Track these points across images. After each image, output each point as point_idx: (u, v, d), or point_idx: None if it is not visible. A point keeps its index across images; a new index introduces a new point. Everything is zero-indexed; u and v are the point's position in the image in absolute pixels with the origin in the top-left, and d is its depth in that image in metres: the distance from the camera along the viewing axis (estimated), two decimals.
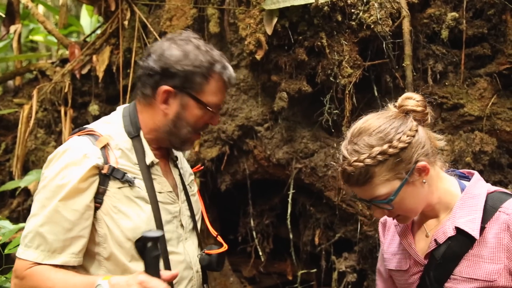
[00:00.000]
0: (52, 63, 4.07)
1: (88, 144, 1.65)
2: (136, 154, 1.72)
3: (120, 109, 1.83)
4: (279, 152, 3.32)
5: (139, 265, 1.65)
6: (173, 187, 1.83)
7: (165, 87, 1.68)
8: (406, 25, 2.85)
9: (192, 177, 2.01)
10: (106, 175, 1.62)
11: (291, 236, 3.57)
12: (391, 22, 2.86)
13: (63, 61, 3.98)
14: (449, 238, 1.55)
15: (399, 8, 2.86)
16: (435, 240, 1.58)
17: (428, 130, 1.58)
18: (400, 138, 1.48)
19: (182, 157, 2.02)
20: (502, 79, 2.89)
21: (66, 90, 3.69)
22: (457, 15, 2.87)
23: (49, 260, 1.57)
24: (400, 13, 2.87)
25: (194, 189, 1.98)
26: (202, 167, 2.21)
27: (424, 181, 1.53)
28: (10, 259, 2.26)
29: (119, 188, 1.65)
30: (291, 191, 3.40)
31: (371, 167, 1.47)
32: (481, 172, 2.90)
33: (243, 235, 3.94)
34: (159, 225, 1.69)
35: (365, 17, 2.87)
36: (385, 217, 1.82)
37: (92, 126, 1.75)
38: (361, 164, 1.47)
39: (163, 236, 1.67)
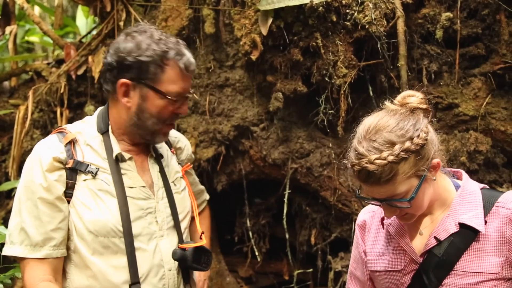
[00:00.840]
0: (48, 64, 4.05)
1: (54, 141, 1.73)
2: (106, 150, 1.75)
3: (98, 109, 1.88)
4: (275, 152, 3.32)
5: (100, 260, 1.67)
6: (149, 184, 1.82)
7: (122, 80, 1.70)
8: (401, 25, 2.85)
9: (179, 175, 1.99)
10: (72, 169, 1.67)
11: (287, 236, 3.57)
12: (385, 22, 2.86)
13: (59, 62, 3.96)
14: (452, 234, 1.56)
15: (394, 8, 2.86)
16: (435, 237, 1.58)
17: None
18: (419, 134, 1.46)
19: (170, 156, 2.00)
20: (497, 78, 2.89)
21: (62, 91, 3.68)
22: (451, 15, 2.87)
23: (33, 254, 1.64)
24: (394, 13, 2.87)
25: (179, 186, 1.95)
26: (191, 166, 2.20)
27: (434, 178, 1.53)
28: (7, 259, 2.28)
29: (84, 180, 1.69)
30: (287, 191, 3.40)
31: (394, 164, 1.43)
32: (476, 172, 2.92)
33: (240, 235, 3.93)
34: (126, 219, 1.69)
35: (359, 18, 2.86)
36: (363, 219, 1.83)
37: (67, 125, 1.83)
38: (384, 161, 1.43)
39: (129, 230, 1.69)
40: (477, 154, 2.88)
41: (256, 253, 3.82)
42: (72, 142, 1.73)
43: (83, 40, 4.24)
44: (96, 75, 3.60)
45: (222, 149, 3.48)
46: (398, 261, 1.68)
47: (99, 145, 1.76)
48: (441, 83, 2.99)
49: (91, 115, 1.90)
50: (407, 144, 1.44)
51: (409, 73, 2.92)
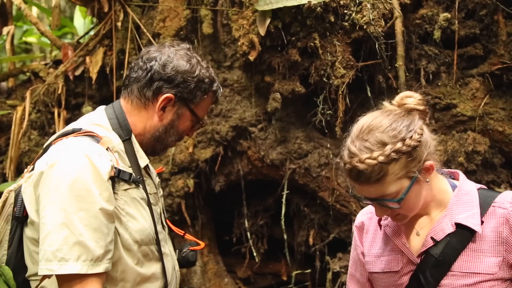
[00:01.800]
0: (46, 64, 4.04)
1: (96, 146, 1.57)
2: (128, 157, 1.69)
3: (102, 111, 1.78)
4: (273, 152, 3.32)
5: (145, 269, 1.64)
6: (155, 189, 1.85)
7: (167, 95, 1.70)
8: (399, 26, 2.85)
9: (158, 179, 1.99)
10: (113, 177, 1.56)
11: (285, 236, 3.56)
12: (383, 22, 2.86)
13: (57, 63, 3.96)
14: (448, 234, 1.56)
15: (392, 9, 2.86)
16: (432, 238, 1.58)
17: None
18: (412, 136, 1.46)
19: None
20: (495, 79, 2.89)
21: (59, 92, 3.67)
22: (449, 15, 2.87)
23: (94, 269, 1.46)
24: (392, 13, 2.87)
25: (161, 190, 1.97)
26: (164, 169, 2.21)
27: (427, 180, 1.53)
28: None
29: (125, 190, 1.61)
30: (285, 192, 3.40)
31: (385, 164, 1.44)
32: (474, 172, 2.91)
33: (238, 236, 3.93)
34: (154, 225, 1.70)
35: (357, 18, 2.86)
36: (361, 220, 1.82)
37: (88, 128, 1.67)
38: (374, 161, 1.44)
39: (157, 236, 1.69)
40: (475, 155, 2.88)
41: (254, 254, 3.82)
42: (108, 148, 1.61)
43: (81, 40, 4.24)
44: (93, 76, 3.60)
45: (220, 150, 3.48)
46: (395, 262, 1.67)
47: (123, 152, 1.69)
48: (439, 84, 2.99)
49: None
50: (399, 145, 1.44)
51: (407, 74, 2.92)
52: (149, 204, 1.69)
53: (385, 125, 1.48)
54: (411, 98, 1.55)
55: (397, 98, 1.57)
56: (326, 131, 3.20)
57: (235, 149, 3.51)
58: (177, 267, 1.85)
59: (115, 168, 1.57)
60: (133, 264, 1.60)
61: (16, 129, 3.58)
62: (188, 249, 1.90)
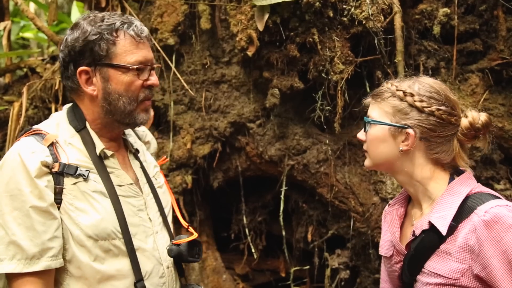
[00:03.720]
0: (43, 60, 4.02)
1: (34, 143, 1.58)
2: (86, 147, 1.66)
3: (65, 108, 1.77)
4: (271, 149, 3.32)
5: (107, 265, 1.60)
6: (135, 180, 1.77)
7: (80, 69, 1.63)
8: (398, 21, 2.84)
9: (157, 169, 1.95)
10: (58, 173, 1.56)
11: (283, 233, 3.56)
12: (382, 18, 2.86)
13: (54, 58, 3.94)
14: (423, 231, 1.58)
15: (391, 4, 2.85)
16: (413, 232, 1.61)
17: (461, 147, 1.62)
18: (424, 101, 1.57)
19: (145, 150, 1.96)
20: (494, 74, 2.89)
21: (56, 87, 3.64)
22: (448, 10, 2.87)
23: (30, 267, 1.49)
24: (391, 8, 2.86)
25: (160, 181, 1.92)
26: (167, 160, 2.14)
27: (401, 148, 1.60)
28: None
29: (74, 184, 1.58)
30: (284, 188, 3.40)
31: (389, 93, 1.63)
32: (473, 168, 2.89)
33: (236, 232, 3.92)
34: (122, 219, 1.63)
35: (356, 13, 2.86)
36: (387, 206, 1.86)
37: (38, 125, 1.70)
38: (389, 86, 1.65)
39: (126, 230, 1.63)
40: (474, 151, 2.88)
41: (253, 250, 3.82)
42: (53, 144, 1.61)
43: None
44: None
45: (218, 146, 3.47)
46: (390, 249, 1.74)
47: (80, 143, 1.66)
48: (439, 79, 2.95)
49: None
50: (409, 91, 1.60)
51: (406, 69, 2.92)
52: (113, 195, 1.63)
53: (432, 86, 1.61)
54: (477, 115, 1.61)
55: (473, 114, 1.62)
56: (325, 127, 3.19)
57: (233, 145, 3.50)
58: (166, 263, 1.76)
59: (60, 163, 1.57)
60: (88, 261, 1.57)
61: (13, 125, 3.56)
62: (171, 243, 1.79)
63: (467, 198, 1.55)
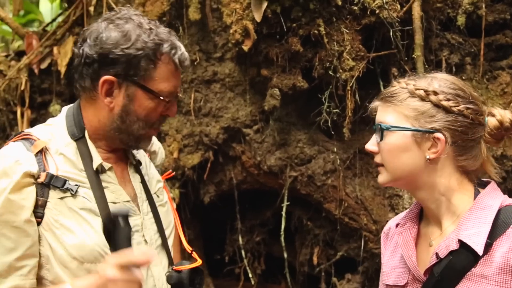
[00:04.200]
0: (7, 56, 4.03)
1: (21, 150, 1.61)
2: (82, 159, 1.68)
3: (65, 109, 1.80)
4: (271, 158, 3.31)
5: None
6: (133, 197, 1.79)
7: (106, 77, 1.64)
8: (417, 10, 2.84)
9: (161, 184, 1.98)
10: (44, 184, 1.58)
11: (285, 255, 3.56)
12: (399, 6, 2.86)
13: (19, 54, 3.95)
14: (451, 252, 1.54)
15: None
16: (436, 253, 1.57)
17: (488, 150, 1.63)
18: (451, 100, 1.56)
19: (148, 162, 1.99)
20: None
21: (22, 88, 3.66)
22: None
23: None
24: None
25: (163, 198, 1.94)
26: (173, 173, 2.20)
27: (428, 156, 1.57)
28: None
29: (60, 198, 1.61)
30: (285, 203, 3.40)
31: (405, 93, 1.59)
32: (503, 180, 2.92)
33: (231, 254, 3.92)
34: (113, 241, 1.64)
35: (369, 1, 2.86)
36: (389, 226, 1.86)
37: (31, 129, 1.72)
38: (403, 85, 1.61)
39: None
40: (505, 160, 2.88)
41: (250, 275, 3.82)
42: (42, 151, 1.63)
43: (48, 28, 4.22)
44: (62, 69, 3.59)
45: (209, 155, 3.47)
46: (402, 276, 1.70)
47: (74, 154, 1.69)
48: (464, 77, 2.97)
49: (56, 116, 1.86)
50: (431, 88, 1.57)
51: (426, 66, 2.91)
52: (105, 215, 1.65)
53: (454, 83, 1.60)
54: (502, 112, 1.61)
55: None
56: (333, 132, 3.18)
57: (227, 154, 3.50)
58: None
59: (48, 173, 1.59)
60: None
61: None
62: (172, 269, 1.83)
63: (498, 212, 1.54)
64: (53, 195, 1.60)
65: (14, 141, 1.66)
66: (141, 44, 1.64)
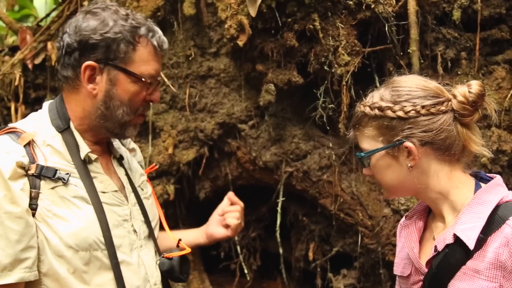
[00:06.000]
0: (0, 51, 4.00)
1: (9, 142, 1.63)
2: (69, 150, 1.71)
3: (46, 104, 1.83)
4: (266, 153, 3.31)
5: (88, 279, 1.64)
6: (120, 187, 1.83)
7: (87, 63, 1.68)
8: (412, 5, 2.83)
9: (144, 177, 2.02)
10: (35, 176, 1.60)
11: (281, 251, 3.57)
12: (394, 1, 2.85)
13: (13, 49, 3.92)
14: (447, 246, 1.57)
15: None
16: (435, 247, 1.61)
17: (467, 128, 1.62)
18: (405, 107, 1.59)
19: (130, 157, 2.03)
20: None
21: (16, 83, 3.64)
22: None
23: (1, 280, 1.53)
24: None
25: (147, 191, 1.99)
26: (156, 167, 2.26)
27: (409, 164, 1.61)
28: None
29: (52, 188, 1.63)
30: (281, 199, 3.40)
31: (365, 116, 1.66)
32: (499, 175, 2.90)
33: (226, 250, 3.92)
34: (106, 228, 1.68)
35: None
36: (403, 218, 1.88)
37: (14, 124, 1.75)
38: (361, 108, 1.68)
39: (110, 241, 1.68)
40: (500, 155, 2.89)
41: (246, 271, 3.82)
42: (30, 144, 1.66)
43: (42, 23, 4.20)
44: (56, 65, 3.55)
45: (205, 151, 3.47)
46: (407, 267, 1.75)
47: (61, 145, 1.72)
48: (459, 72, 2.99)
49: None
50: (385, 106, 1.61)
51: (422, 61, 2.91)
52: (96, 203, 1.68)
53: (403, 85, 1.64)
54: (462, 87, 1.62)
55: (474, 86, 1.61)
56: (328, 128, 3.18)
57: (222, 149, 3.50)
58: (153, 279, 1.82)
59: (37, 164, 1.61)
60: (66, 273, 1.61)
61: None
62: (162, 256, 1.89)
63: (497, 207, 1.55)
64: (45, 185, 1.62)
65: (0, 135, 1.69)
66: (119, 28, 1.69)
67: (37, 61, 3.66)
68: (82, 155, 1.72)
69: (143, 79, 1.73)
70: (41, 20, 4.37)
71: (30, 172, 1.60)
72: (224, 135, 3.44)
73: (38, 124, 1.75)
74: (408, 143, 1.58)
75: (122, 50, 1.69)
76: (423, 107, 1.58)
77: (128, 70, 1.71)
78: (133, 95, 1.74)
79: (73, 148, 1.72)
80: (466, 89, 1.60)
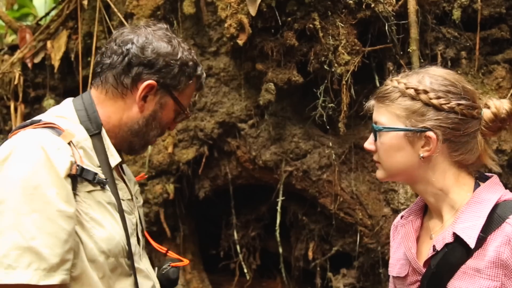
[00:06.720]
0: (0, 50, 4.01)
1: (55, 138, 1.56)
2: (97, 155, 1.69)
3: (69, 102, 1.79)
4: (266, 153, 3.31)
5: (112, 285, 1.63)
6: (130, 196, 1.85)
7: (149, 81, 1.71)
8: (412, 4, 2.82)
9: (137, 186, 2.01)
10: (74, 176, 1.55)
11: (280, 250, 3.57)
12: (394, 0, 2.85)
13: (13, 48, 3.93)
14: (446, 245, 1.57)
15: None
16: (434, 246, 1.61)
17: (486, 141, 1.63)
18: (442, 98, 1.57)
19: (125, 166, 2.02)
20: None
21: (16, 82, 3.66)
22: None
23: (46, 280, 1.44)
24: None
25: (140, 200, 2.00)
26: (146, 176, 2.26)
27: (422, 154, 1.60)
28: None
29: (89, 192, 1.60)
30: (280, 198, 3.40)
31: (397, 92, 1.62)
32: (498, 175, 2.89)
33: (226, 249, 3.92)
34: (127, 237, 1.68)
35: None
36: (398, 218, 1.88)
37: (48, 119, 1.67)
38: (395, 84, 1.63)
39: (130, 248, 1.69)
40: (500, 154, 2.89)
41: (245, 271, 3.83)
42: (70, 143, 1.60)
43: (41, 22, 4.21)
44: (56, 63, 3.60)
45: (204, 150, 3.46)
46: (404, 268, 1.73)
47: (91, 149, 1.69)
48: (459, 72, 2.94)
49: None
50: (421, 88, 1.59)
51: (422, 60, 2.90)
52: (120, 211, 1.68)
53: (446, 79, 1.61)
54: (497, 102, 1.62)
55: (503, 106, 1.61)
56: (328, 127, 3.18)
57: (222, 149, 3.49)
58: (157, 286, 1.85)
59: (78, 165, 1.56)
60: (97, 279, 1.59)
61: None
62: (169, 265, 1.92)
63: (496, 206, 1.56)
64: (81, 188, 1.58)
65: (39, 128, 1.60)
66: (186, 60, 1.77)
67: (37, 60, 3.68)
68: (113, 163, 1.71)
69: (185, 112, 1.84)
70: (41, 19, 4.39)
71: (72, 172, 1.55)
72: (224, 134, 3.43)
73: (70, 124, 1.69)
74: (431, 133, 1.57)
75: (182, 81, 1.77)
76: (458, 105, 1.57)
77: (178, 100, 1.79)
78: (169, 122, 1.83)
79: (101, 154, 1.70)
80: (500, 104, 1.60)
